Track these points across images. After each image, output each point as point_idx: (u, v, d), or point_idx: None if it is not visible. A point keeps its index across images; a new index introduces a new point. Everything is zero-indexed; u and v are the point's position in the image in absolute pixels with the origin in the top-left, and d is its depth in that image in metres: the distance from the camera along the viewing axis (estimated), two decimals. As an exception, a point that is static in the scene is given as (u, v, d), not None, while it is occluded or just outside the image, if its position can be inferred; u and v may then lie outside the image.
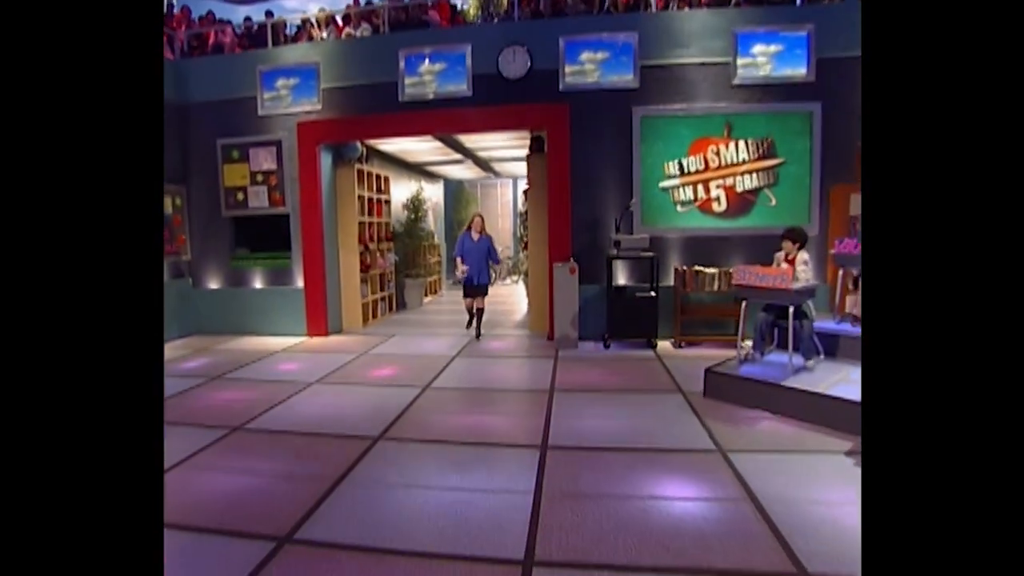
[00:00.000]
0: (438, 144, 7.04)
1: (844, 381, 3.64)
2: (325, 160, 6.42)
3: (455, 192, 11.93)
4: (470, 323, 5.95)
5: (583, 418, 3.50)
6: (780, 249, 4.21)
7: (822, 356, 4.18)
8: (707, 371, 3.99)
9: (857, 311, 4.40)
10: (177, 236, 6.46)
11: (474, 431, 3.37)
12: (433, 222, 10.39)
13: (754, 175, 5.70)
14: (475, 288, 5.76)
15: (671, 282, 5.67)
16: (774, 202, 5.69)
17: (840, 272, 4.60)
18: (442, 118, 5.79)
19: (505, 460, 2.94)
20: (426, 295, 8.86)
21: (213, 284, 6.66)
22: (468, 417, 3.62)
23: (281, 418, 3.69)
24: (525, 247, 7.47)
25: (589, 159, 5.71)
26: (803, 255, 4.13)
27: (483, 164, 9.08)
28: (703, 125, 5.65)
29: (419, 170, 9.59)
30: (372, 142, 6.95)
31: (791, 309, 3.85)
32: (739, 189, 5.71)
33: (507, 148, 7.34)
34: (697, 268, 5.55)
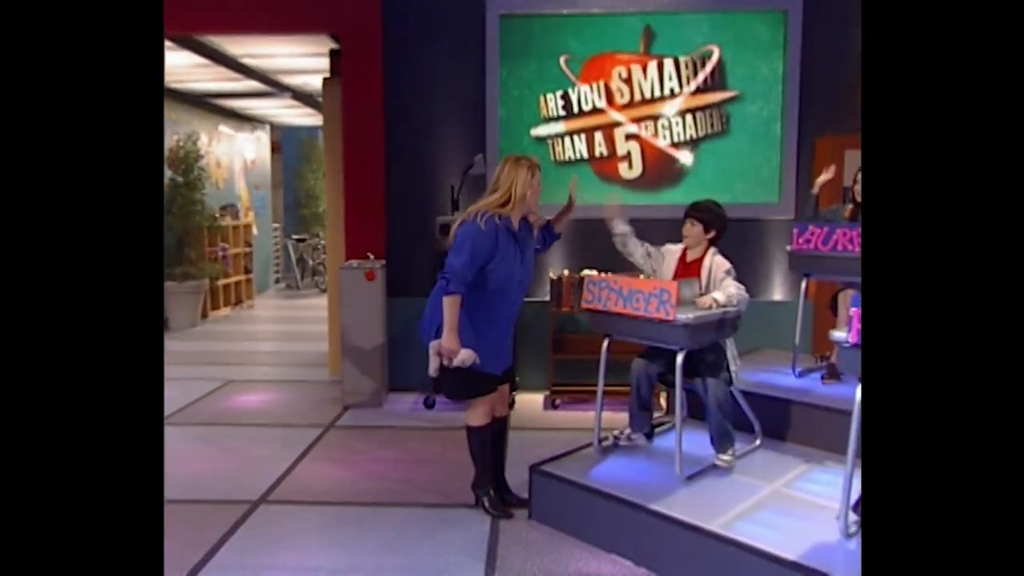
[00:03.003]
0: (202, 60, 5.99)
1: (787, 502, 2.68)
2: None
3: (302, 146, 11.06)
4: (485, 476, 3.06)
5: (265, 570, 2.68)
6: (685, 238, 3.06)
7: (758, 441, 3.21)
8: (532, 470, 3.03)
9: (834, 353, 3.42)
10: None
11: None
12: (246, 192, 9.48)
13: (689, 119, 4.78)
14: (506, 372, 3.00)
15: (545, 296, 4.78)
16: (722, 165, 4.79)
17: (806, 285, 3.59)
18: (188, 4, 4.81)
19: None
20: (218, 307, 8.08)
21: None
22: None
23: None
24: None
25: (415, 88, 4.91)
26: (720, 260, 2.98)
27: (305, 97, 8.16)
28: (604, 32, 4.79)
29: (217, 109, 8.60)
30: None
31: (679, 358, 2.68)
32: (663, 142, 4.81)
33: (298, 61, 6.49)
34: (587, 274, 4.48)
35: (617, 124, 4.76)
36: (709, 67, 4.71)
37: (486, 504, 2.97)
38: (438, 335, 2.76)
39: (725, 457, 2.91)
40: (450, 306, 2.69)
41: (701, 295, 2.89)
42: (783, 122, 4.70)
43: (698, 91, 4.73)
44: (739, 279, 2.94)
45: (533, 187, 2.81)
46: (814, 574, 2.07)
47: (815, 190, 3.77)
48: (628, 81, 4.74)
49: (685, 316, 2.64)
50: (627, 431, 3.15)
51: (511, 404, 3.85)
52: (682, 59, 4.71)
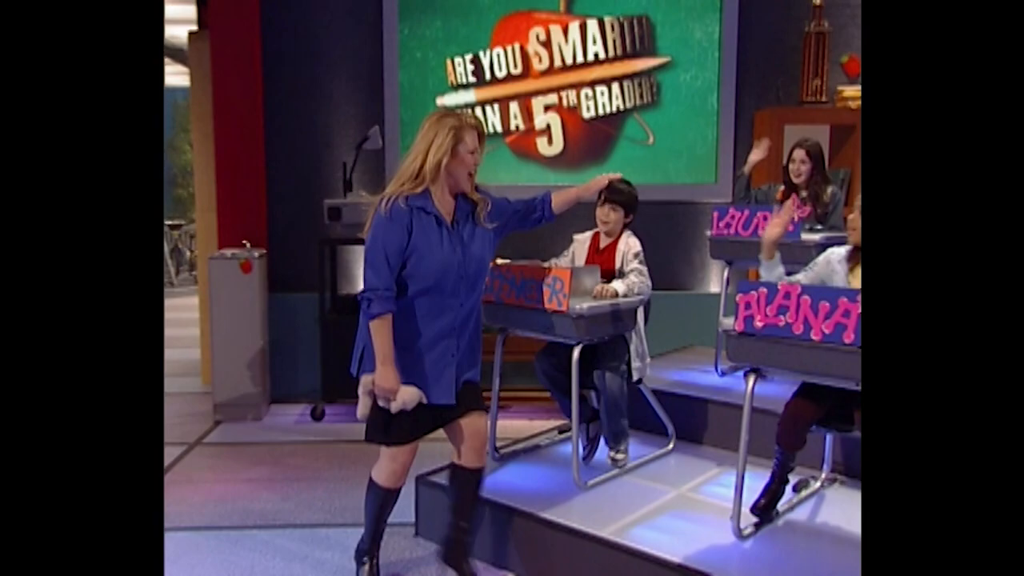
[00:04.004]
0: None
1: (690, 506, 2.95)
2: None
3: (177, 112, 11.08)
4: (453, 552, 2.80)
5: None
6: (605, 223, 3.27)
7: (671, 444, 3.50)
8: (419, 480, 3.24)
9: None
10: None
11: None
12: None
13: (615, 87, 5.07)
14: (460, 398, 2.66)
15: None
16: (652, 139, 5.12)
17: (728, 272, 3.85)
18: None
19: None
20: None
21: None
22: None
23: None
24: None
25: (300, 46, 5.03)
26: (634, 241, 3.22)
27: (175, 52, 8.27)
28: (519, -12, 5.05)
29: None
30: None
31: (575, 353, 2.92)
32: (587, 113, 5.09)
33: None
34: (502, 261, 4.68)
35: (535, 93, 5.01)
36: (637, 31, 5.00)
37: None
38: (364, 368, 2.50)
39: (619, 455, 3.18)
40: (378, 331, 2.40)
41: (607, 282, 3.14)
42: (719, 93, 5.04)
43: (625, 57, 5.02)
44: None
45: (459, 155, 2.45)
46: (700, 576, 2.35)
47: (746, 168, 4.08)
48: (547, 44, 4.99)
49: (579, 307, 2.88)
50: (617, 455, 3.28)
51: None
52: (607, 20, 4.98)
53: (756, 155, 4.01)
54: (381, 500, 2.68)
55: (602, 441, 3.28)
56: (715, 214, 3.73)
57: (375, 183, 5.08)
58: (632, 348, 3.22)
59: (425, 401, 2.46)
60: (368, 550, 2.78)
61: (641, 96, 5.03)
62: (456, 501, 2.72)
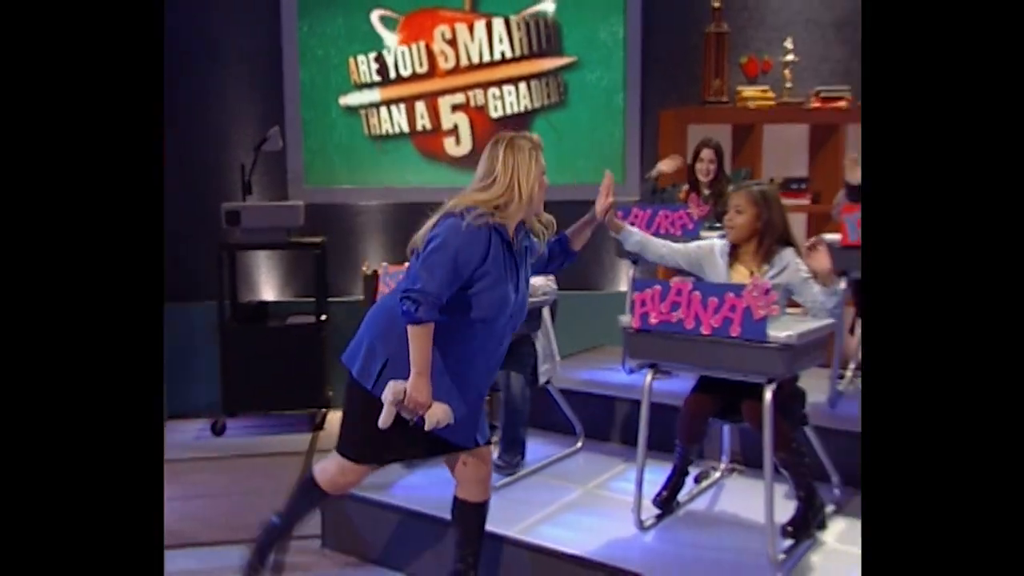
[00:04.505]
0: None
1: (595, 502, 3.03)
2: None
3: None
4: None
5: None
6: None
7: (579, 443, 3.59)
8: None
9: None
10: None
11: None
12: None
13: (523, 87, 5.17)
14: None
15: (359, 295, 4.98)
16: (560, 139, 5.21)
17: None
18: None
19: None
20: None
21: None
22: None
23: None
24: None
25: (194, 42, 4.96)
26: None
27: None
28: (423, -14, 5.10)
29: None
30: None
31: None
32: (495, 113, 5.17)
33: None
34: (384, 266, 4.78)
35: (441, 93, 5.05)
36: (543, 31, 5.11)
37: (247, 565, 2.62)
38: (383, 375, 2.32)
39: (504, 463, 3.21)
40: (420, 338, 2.23)
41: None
42: (625, 93, 5.20)
43: (532, 56, 5.12)
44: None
45: (541, 180, 2.37)
46: (602, 568, 2.44)
47: (654, 174, 4.24)
48: (453, 43, 5.04)
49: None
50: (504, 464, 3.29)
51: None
52: (513, 19, 5.07)
53: (666, 167, 4.17)
54: (315, 502, 2.63)
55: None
56: (619, 214, 3.85)
57: (276, 186, 5.05)
58: (539, 349, 3.30)
59: (451, 422, 2.31)
60: (270, 544, 2.62)
61: (548, 96, 5.14)
62: (461, 536, 2.55)
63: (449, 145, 5.09)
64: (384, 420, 2.29)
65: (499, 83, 5.09)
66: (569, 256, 2.70)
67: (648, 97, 5.21)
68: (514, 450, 3.25)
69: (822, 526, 2.61)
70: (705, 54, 4.95)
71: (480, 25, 5.03)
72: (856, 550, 2.57)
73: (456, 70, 5.05)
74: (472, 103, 5.08)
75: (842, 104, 4.83)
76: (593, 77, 5.17)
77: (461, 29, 5.02)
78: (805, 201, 4.95)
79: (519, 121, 5.10)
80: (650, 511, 2.74)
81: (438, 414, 2.27)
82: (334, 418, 4.88)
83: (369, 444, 2.40)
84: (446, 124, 5.07)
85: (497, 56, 5.07)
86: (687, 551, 2.57)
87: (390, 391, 2.28)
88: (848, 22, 4.99)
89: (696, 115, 4.99)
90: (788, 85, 4.89)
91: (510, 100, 5.11)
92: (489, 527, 2.78)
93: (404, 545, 3.01)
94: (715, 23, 4.87)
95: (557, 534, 2.69)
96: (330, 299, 4.89)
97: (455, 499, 2.55)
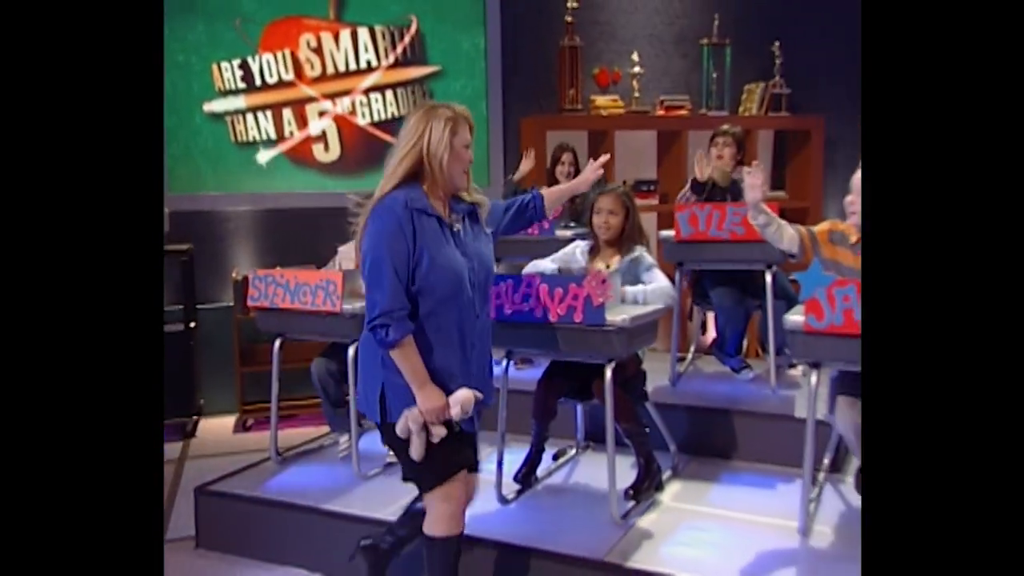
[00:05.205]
0: None
1: None
2: None
3: None
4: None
5: None
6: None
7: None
8: (198, 492, 3.34)
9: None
10: None
11: None
12: None
13: (389, 94, 5.35)
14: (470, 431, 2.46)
15: (229, 301, 5.02)
16: None
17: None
18: None
19: None
20: None
21: None
22: None
23: None
24: None
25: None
26: None
27: None
28: (287, -6, 5.18)
29: None
30: None
31: (350, 351, 3.17)
32: (363, 119, 5.32)
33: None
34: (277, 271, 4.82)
35: (309, 100, 5.16)
36: (407, 39, 5.32)
37: None
38: (391, 406, 2.22)
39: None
40: (405, 357, 2.15)
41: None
42: (488, 101, 5.49)
43: (397, 65, 5.33)
44: None
45: (455, 150, 2.23)
46: (467, 540, 2.67)
47: (516, 176, 4.54)
48: (318, 51, 5.16)
49: (351, 307, 3.13)
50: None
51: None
52: (378, 28, 5.26)
53: (527, 165, 4.48)
54: (452, 552, 2.30)
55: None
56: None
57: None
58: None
59: (480, 397, 2.21)
60: None
61: (415, 103, 5.34)
62: (433, 571, 2.32)
63: (318, 151, 5.20)
64: (417, 451, 2.18)
65: (366, 91, 5.26)
66: (540, 214, 2.61)
67: (509, 105, 5.52)
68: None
69: (660, 488, 2.97)
70: (560, 65, 5.32)
71: (345, 34, 5.18)
72: (687, 506, 2.96)
73: (323, 78, 5.16)
74: (340, 110, 5.21)
75: (683, 112, 5.33)
76: (457, 86, 5.43)
77: (326, 38, 5.15)
78: (654, 201, 5.42)
79: (388, 127, 5.29)
80: (511, 487, 3.02)
81: (460, 402, 2.18)
82: (207, 426, 4.95)
83: (436, 459, 2.23)
84: (314, 131, 5.17)
85: (363, 64, 5.23)
86: (544, 517, 2.87)
87: (405, 423, 2.18)
88: (685, 38, 5.50)
89: (554, 122, 5.36)
90: (636, 95, 5.34)
91: (377, 107, 5.28)
92: (363, 512, 2.98)
93: (270, 535, 3.13)
94: (568, 37, 5.25)
95: (427, 513, 2.92)
96: (200, 306, 4.89)
97: (425, 538, 2.31)
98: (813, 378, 2.53)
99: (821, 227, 2.76)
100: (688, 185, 3.89)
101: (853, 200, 2.58)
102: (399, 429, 2.18)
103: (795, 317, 2.47)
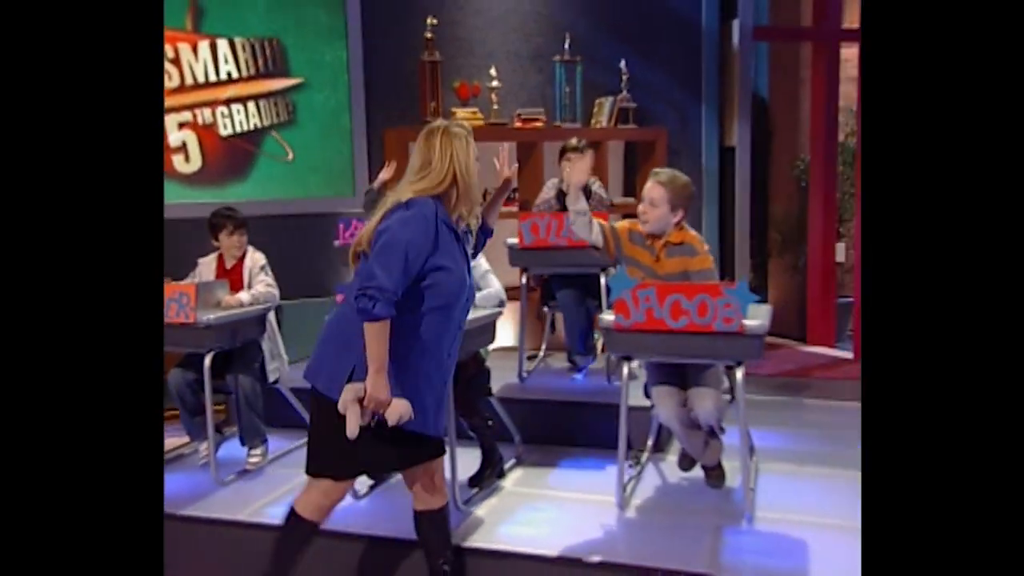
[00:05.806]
0: None
1: None
2: None
3: None
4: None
5: None
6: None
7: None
8: None
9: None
10: None
11: None
12: None
13: (251, 106, 5.43)
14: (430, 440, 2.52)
15: None
16: (291, 155, 5.55)
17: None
18: None
19: None
20: None
21: None
22: None
23: None
24: None
25: None
26: (258, 255, 3.69)
27: None
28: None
29: None
30: None
31: (207, 359, 3.29)
32: (225, 131, 5.36)
33: None
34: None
35: (167, 111, 5.13)
36: (269, 51, 5.39)
37: None
38: (348, 378, 2.24)
39: (254, 459, 3.60)
40: (378, 336, 2.18)
41: (233, 294, 3.56)
42: (351, 113, 5.64)
43: (259, 76, 5.40)
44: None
45: (476, 169, 2.40)
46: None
47: (375, 185, 4.73)
48: (176, 62, 5.16)
49: (207, 317, 3.27)
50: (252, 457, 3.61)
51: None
52: (238, 41, 5.32)
53: (386, 174, 4.67)
54: (306, 534, 2.47)
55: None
56: (340, 225, 4.31)
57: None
58: (266, 350, 3.67)
59: (412, 418, 2.26)
60: None
61: (277, 115, 5.44)
62: (435, 544, 2.53)
63: (178, 162, 5.21)
64: (351, 429, 2.21)
65: (227, 102, 5.31)
66: (488, 234, 2.74)
67: (372, 116, 5.67)
68: (255, 439, 3.59)
69: (502, 475, 3.27)
70: (421, 79, 5.54)
71: (204, 45, 5.21)
72: (526, 490, 3.27)
73: (181, 88, 5.17)
74: (200, 121, 5.24)
75: (539, 124, 5.67)
76: (320, 98, 5.54)
77: (184, 49, 5.16)
78: (515, 209, 5.73)
79: (250, 138, 5.36)
80: (365, 482, 3.24)
81: (399, 410, 2.23)
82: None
83: (346, 457, 2.32)
84: (174, 142, 5.18)
85: (224, 76, 5.28)
86: (388, 509, 3.10)
87: (348, 392, 2.20)
88: (540, 55, 5.84)
89: (416, 134, 5.48)
90: (495, 107, 5.64)
91: (239, 118, 5.34)
92: (222, 515, 3.12)
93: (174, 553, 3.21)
94: (429, 52, 5.48)
95: (282, 512, 3.09)
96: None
97: (419, 513, 2.52)
98: (625, 370, 2.88)
99: (622, 224, 3.12)
100: (553, 193, 4.25)
101: (645, 210, 2.95)
102: (341, 403, 2.21)
103: (608, 316, 2.82)
